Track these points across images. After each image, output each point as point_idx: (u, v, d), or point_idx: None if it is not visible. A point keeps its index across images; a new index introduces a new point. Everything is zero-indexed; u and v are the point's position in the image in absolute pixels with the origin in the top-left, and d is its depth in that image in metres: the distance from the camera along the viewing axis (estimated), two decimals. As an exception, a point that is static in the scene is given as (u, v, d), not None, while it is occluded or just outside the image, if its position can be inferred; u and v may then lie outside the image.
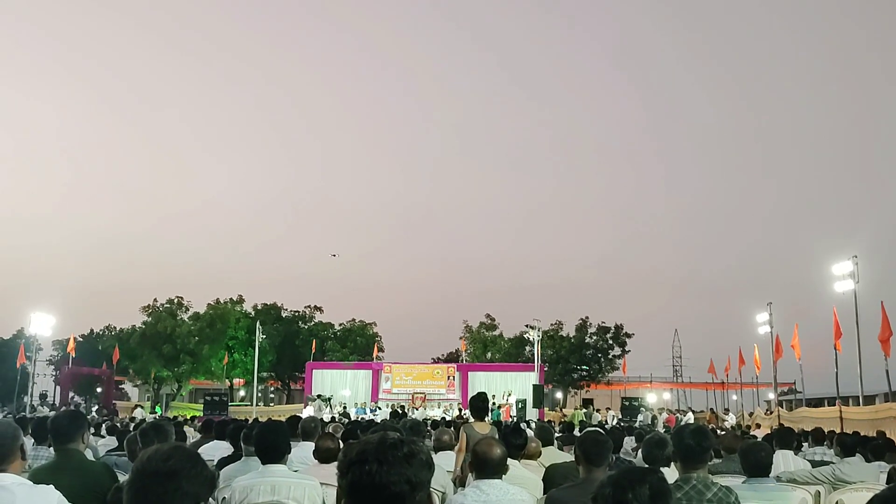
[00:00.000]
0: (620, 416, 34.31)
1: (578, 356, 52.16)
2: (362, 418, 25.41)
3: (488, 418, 8.28)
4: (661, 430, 18.41)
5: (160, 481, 2.03)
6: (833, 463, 7.29)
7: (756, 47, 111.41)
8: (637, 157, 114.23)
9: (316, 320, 57.03)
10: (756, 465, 4.85)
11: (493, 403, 32.75)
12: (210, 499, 2.24)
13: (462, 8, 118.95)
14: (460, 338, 54.37)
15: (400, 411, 27.14)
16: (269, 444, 4.71)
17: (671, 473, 4.35)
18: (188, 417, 28.11)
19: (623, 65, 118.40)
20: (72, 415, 4.64)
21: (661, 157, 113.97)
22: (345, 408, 34.48)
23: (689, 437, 4.19)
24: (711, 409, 43.18)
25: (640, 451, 6.25)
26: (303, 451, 6.59)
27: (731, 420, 33.38)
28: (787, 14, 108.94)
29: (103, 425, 17.19)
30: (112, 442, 11.09)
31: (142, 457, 2.13)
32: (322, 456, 5.70)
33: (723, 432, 16.61)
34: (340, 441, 6.44)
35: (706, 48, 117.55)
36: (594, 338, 53.00)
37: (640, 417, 32.58)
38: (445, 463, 6.67)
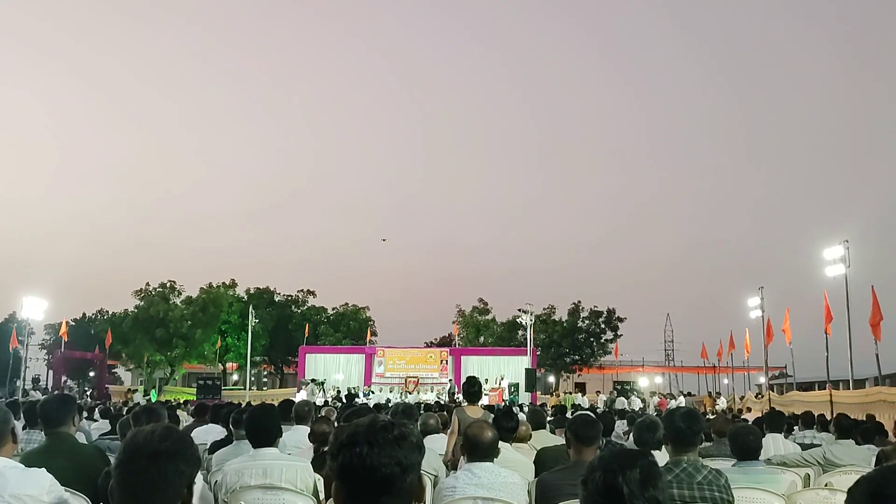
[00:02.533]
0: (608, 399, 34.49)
1: (571, 340, 52.32)
2: (354, 402, 25.44)
3: (481, 402, 8.35)
4: (653, 414, 18.54)
5: (158, 462, 2.00)
6: (822, 445, 7.34)
7: (746, 37, 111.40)
8: (630, 145, 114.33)
9: (309, 304, 57.11)
10: (745, 448, 4.88)
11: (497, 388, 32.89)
12: (202, 481, 2.26)
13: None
14: (453, 322, 54.55)
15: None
16: (260, 427, 4.72)
17: (662, 457, 4.38)
18: (181, 401, 28.12)
19: (617, 55, 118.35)
20: (62, 398, 4.63)
21: (653, 145, 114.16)
22: (338, 392, 34.50)
23: (680, 420, 4.20)
24: (709, 392, 43.37)
25: (631, 434, 6.29)
26: (297, 434, 6.60)
27: (722, 403, 33.59)
28: (776, 4, 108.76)
29: (97, 409, 17.21)
30: (105, 425, 11.09)
31: (133, 437, 2.08)
32: (318, 439, 5.71)
33: (714, 416, 16.71)
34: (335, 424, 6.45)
35: (697, 39, 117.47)
36: (586, 322, 53.17)
37: (619, 399, 32.74)
38: (432, 447, 6.69)
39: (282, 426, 4.96)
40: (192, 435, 8.17)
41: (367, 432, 1.85)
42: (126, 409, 15.06)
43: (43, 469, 3.37)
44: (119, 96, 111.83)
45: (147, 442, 2.04)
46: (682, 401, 33.89)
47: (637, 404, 31.78)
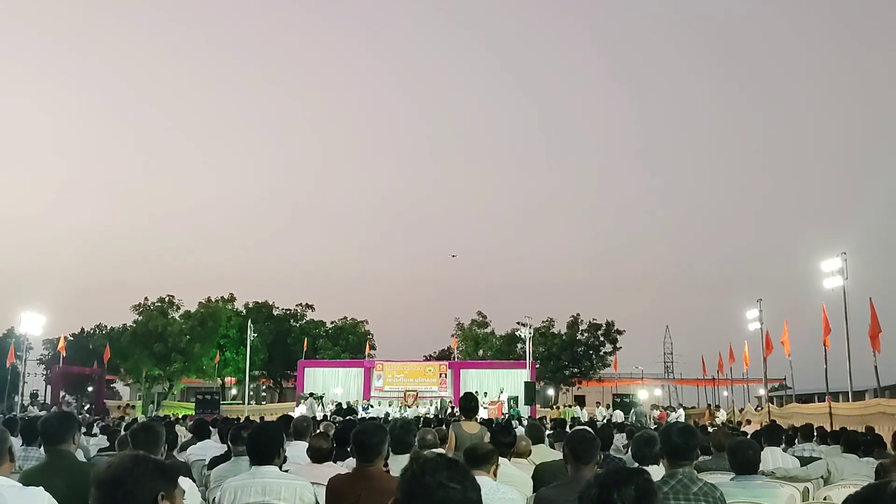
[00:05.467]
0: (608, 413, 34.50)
1: (570, 353, 52.22)
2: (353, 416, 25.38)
3: (480, 416, 8.40)
4: (653, 427, 18.52)
5: (107, 490, 2.29)
6: (822, 458, 7.35)
7: (746, 47, 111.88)
8: (630, 157, 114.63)
9: (307, 318, 56.94)
10: (744, 462, 4.90)
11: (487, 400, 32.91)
12: (199, 497, 2.37)
13: (461, 6, 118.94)
14: (452, 335, 54.41)
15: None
16: (261, 445, 4.71)
17: (660, 471, 4.39)
18: (180, 416, 28.05)
19: (620, 64, 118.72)
20: (63, 416, 4.64)
21: (653, 157, 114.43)
22: (339, 406, 34.40)
23: (676, 435, 4.24)
24: (709, 404, 43.33)
25: (630, 448, 6.29)
26: (295, 450, 6.59)
27: (721, 416, 33.54)
28: (777, 13, 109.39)
29: (95, 424, 17.20)
30: (103, 441, 11.09)
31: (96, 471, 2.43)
32: (315, 455, 5.69)
33: (713, 429, 16.67)
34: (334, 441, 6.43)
35: (698, 50, 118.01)
36: (585, 335, 53.07)
37: (617, 412, 32.76)
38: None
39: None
40: (189, 451, 8.19)
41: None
42: (124, 424, 15.03)
43: (41, 488, 3.37)
44: (123, 111, 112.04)
45: (98, 473, 2.37)
46: (681, 413, 33.88)
47: (641, 416, 31.76)
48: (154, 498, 2.28)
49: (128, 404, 44.78)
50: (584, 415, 32.75)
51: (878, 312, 21.93)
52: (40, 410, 30.25)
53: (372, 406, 35.50)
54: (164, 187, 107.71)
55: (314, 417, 20.44)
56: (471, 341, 53.62)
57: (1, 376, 40.54)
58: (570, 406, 39.27)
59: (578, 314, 53.39)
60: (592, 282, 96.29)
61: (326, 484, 4.69)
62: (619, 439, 12.00)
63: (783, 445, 9.15)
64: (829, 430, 13.27)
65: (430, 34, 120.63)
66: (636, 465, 5.12)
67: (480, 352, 52.61)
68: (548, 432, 10.67)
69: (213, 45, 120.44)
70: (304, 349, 47.35)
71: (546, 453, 7.54)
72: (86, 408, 41.65)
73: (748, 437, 8.37)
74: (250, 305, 55.18)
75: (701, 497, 3.96)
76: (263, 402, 53.89)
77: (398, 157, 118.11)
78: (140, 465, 2.33)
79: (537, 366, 43.78)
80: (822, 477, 6.62)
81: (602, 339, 52.88)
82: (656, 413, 34.38)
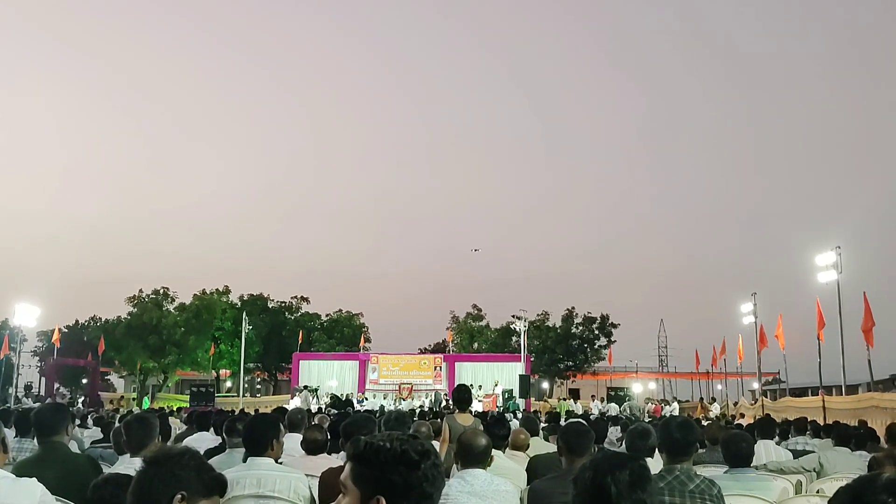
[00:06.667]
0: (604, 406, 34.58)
1: (565, 346, 52.28)
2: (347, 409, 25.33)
3: (473, 409, 8.38)
4: (647, 420, 18.56)
5: (145, 465, 2.37)
6: (815, 452, 7.37)
7: (744, 44, 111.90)
8: (627, 151, 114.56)
9: (302, 311, 56.92)
10: (737, 455, 4.91)
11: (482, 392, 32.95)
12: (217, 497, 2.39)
13: (462, 6, 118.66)
14: (447, 328, 54.54)
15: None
16: (258, 436, 4.70)
17: (654, 464, 4.40)
18: (174, 409, 28.02)
19: (618, 61, 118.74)
20: (55, 407, 4.63)
21: (650, 151, 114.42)
22: (334, 398, 34.38)
23: (676, 430, 4.24)
24: (701, 398, 43.43)
25: (624, 440, 6.30)
26: (289, 442, 6.57)
27: (716, 410, 33.64)
28: (775, 11, 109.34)
29: (89, 416, 17.17)
30: (97, 433, 11.07)
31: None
32: (310, 447, 5.69)
33: (708, 422, 16.73)
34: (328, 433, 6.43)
35: (697, 46, 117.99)
36: (580, 328, 53.15)
37: (612, 405, 32.83)
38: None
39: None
40: (184, 443, 8.16)
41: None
42: (118, 416, 15.01)
43: (34, 479, 3.36)
44: (123, 106, 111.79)
45: (149, 454, 2.49)
46: (675, 407, 33.97)
47: (635, 410, 31.83)
48: (172, 496, 2.27)
49: (122, 396, 44.69)
50: (578, 408, 32.81)
51: (872, 306, 21.98)
52: (34, 402, 30.17)
53: (367, 399, 35.50)
54: (161, 181, 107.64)
55: (309, 410, 20.44)
56: (466, 334, 53.67)
57: (-5, 368, 40.44)
58: (564, 399, 39.36)
59: (573, 307, 53.56)
60: (588, 275, 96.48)
61: (319, 477, 4.69)
62: (614, 432, 12.02)
63: (777, 439, 9.18)
64: (822, 423, 13.29)
65: (429, 33, 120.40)
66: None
67: (475, 345, 52.67)
68: (542, 425, 10.69)
69: (214, 41, 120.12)
70: (299, 342, 47.32)
71: (540, 446, 7.55)
72: (80, 400, 41.62)
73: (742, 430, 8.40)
74: (245, 298, 55.11)
75: (697, 495, 3.93)
76: (258, 395, 53.89)
77: (395, 152, 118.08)
78: (182, 458, 2.37)
79: (532, 359, 43.84)
80: (814, 470, 6.63)
81: (597, 332, 52.95)
82: (651, 406, 34.46)
